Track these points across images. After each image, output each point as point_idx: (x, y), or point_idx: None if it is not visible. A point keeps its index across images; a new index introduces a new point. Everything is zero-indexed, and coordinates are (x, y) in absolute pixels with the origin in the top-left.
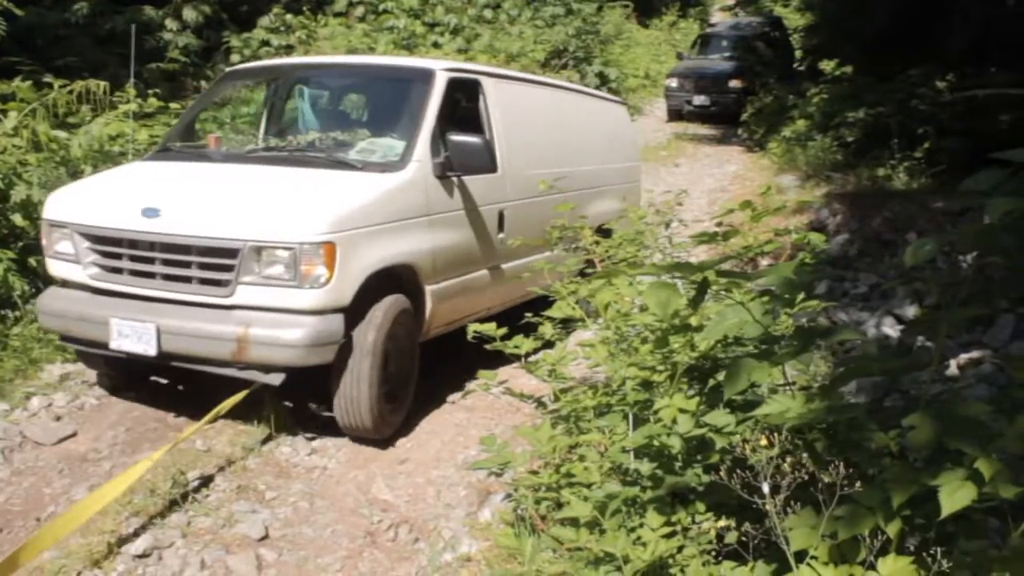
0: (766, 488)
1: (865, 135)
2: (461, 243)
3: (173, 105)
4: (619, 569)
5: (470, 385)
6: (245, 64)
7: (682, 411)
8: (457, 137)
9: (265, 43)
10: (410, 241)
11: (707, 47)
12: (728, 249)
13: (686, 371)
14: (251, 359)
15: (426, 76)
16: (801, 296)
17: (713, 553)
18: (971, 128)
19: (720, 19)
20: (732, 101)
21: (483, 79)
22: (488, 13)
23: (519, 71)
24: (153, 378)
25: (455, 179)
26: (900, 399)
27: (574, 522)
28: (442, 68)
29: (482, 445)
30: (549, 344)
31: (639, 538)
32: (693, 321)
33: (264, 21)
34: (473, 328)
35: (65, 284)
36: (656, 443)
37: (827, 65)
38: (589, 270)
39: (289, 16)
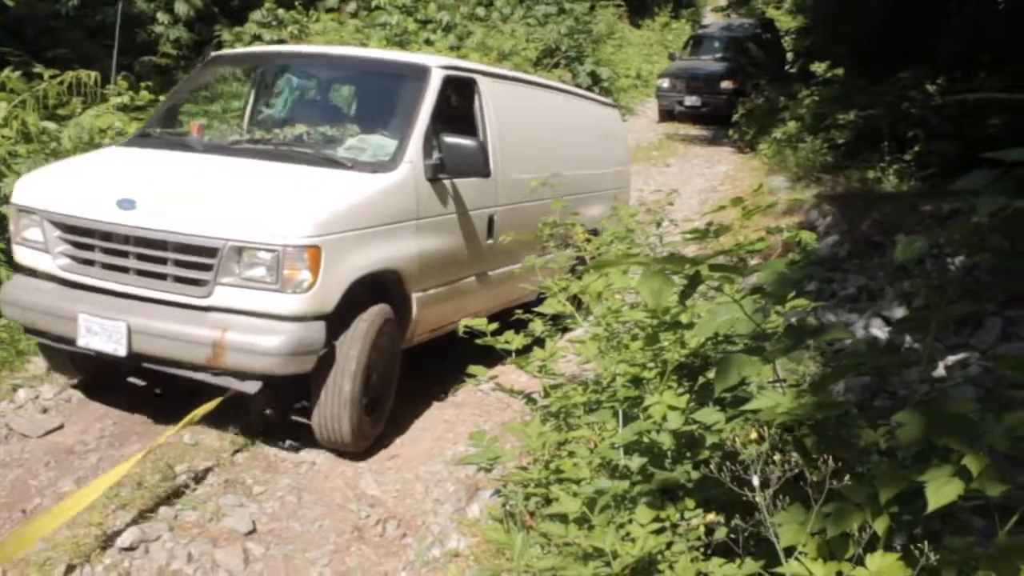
0: (756, 482)
1: (855, 137)
2: (449, 249)
3: (164, 98)
4: (608, 565)
5: (460, 381)
6: (232, 50)
7: (672, 408)
8: (451, 139)
9: (257, 37)
10: (398, 246)
11: (699, 48)
12: (718, 246)
13: (676, 368)
14: (227, 365)
15: (421, 72)
16: (792, 294)
17: (702, 549)
18: (961, 132)
19: (712, 20)
20: (723, 102)
21: (479, 78)
22: (480, 11)
23: (511, 70)
24: (131, 379)
25: (446, 182)
26: (888, 400)
27: (563, 518)
28: (438, 65)
29: (471, 441)
30: (540, 341)
31: (628, 534)
32: (683, 318)
33: (256, 15)
34: (464, 323)
35: (33, 273)
36: (646, 439)
37: (818, 67)
38: (580, 267)
39: (281, 11)
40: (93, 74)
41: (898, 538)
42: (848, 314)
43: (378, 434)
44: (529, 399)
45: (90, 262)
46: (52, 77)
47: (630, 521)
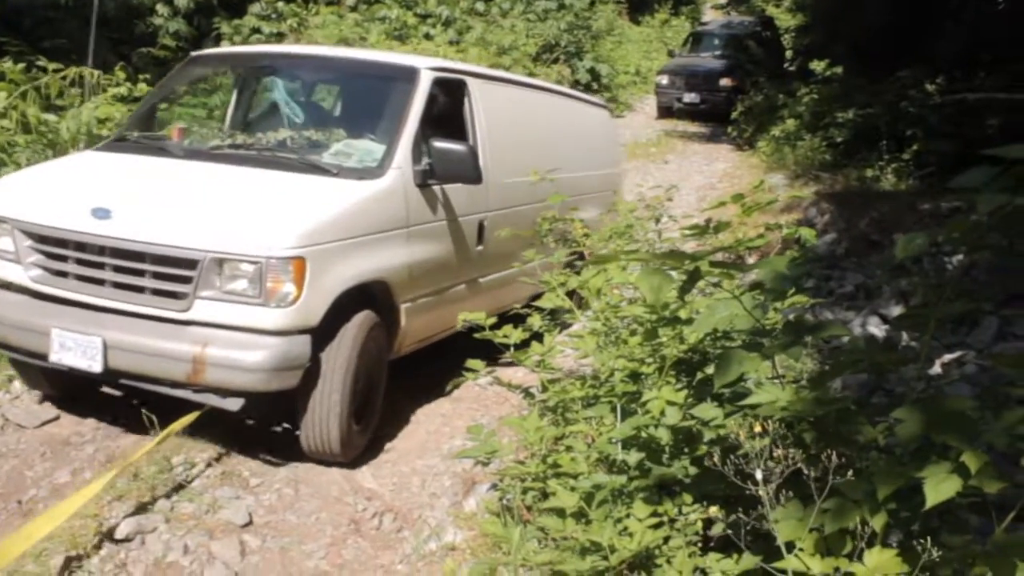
0: (759, 475)
1: (854, 136)
2: (439, 257)
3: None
4: (605, 559)
5: (458, 375)
6: (213, 49)
7: (670, 403)
8: (442, 144)
9: (256, 30)
10: (386, 256)
11: (698, 45)
12: (717, 243)
13: (675, 363)
14: (207, 382)
15: (410, 75)
16: (791, 291)
17: (699, 544)
18: (960, 131)
19: (712, 18)
20: (722, 99)
21: (469, 80)
22: (480, 6)
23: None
24: (105, 389)
25: (436, 188)
26: (885, 397)
27: (560, 512)
28: (427, 67)
29: (468, 435)
30: (538, 335)
31: (625, 528)
32: (682, 314)
33: (255, 8)
34: (463, 316)
35: (4, 285)
36: (644, 434)
37: (818, 65)
38: (579, 262)
39: (281, 3)
40: (96, 72)
41: (896, 535)
42: (846, 312)
43: (367, 442)
44: (527, 394)
45: (64, 274)
46: (55, 71)
47: (627, 516)
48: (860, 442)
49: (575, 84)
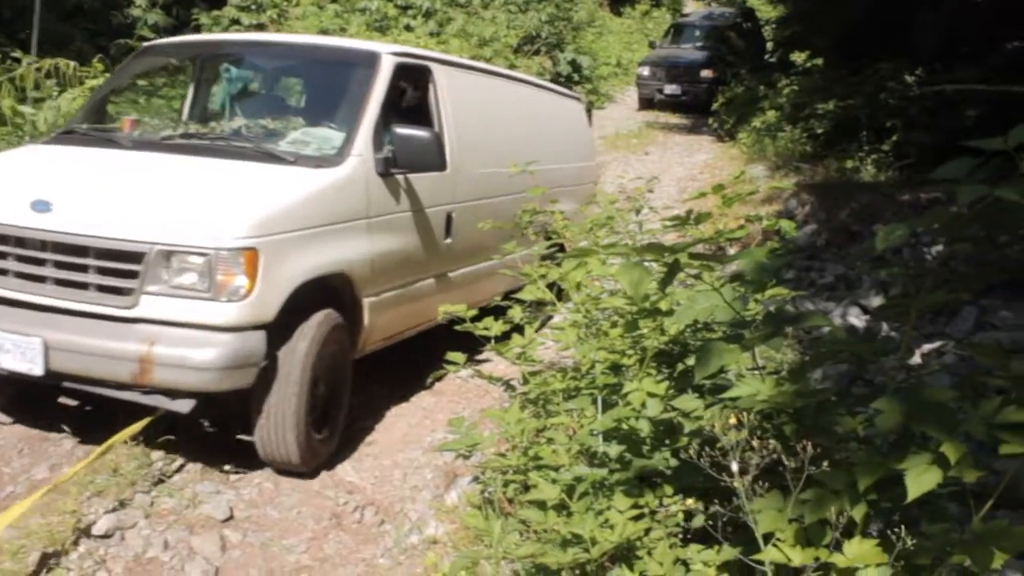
0: (735, 467)
1: (834, 127)
2: (404, 249)
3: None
4: (587, 551)
5: (438, 367)
6: (166, 39)
7: (651, 395)
8: (403, 130)
9: (235, 21)
10: (346, 247)
11: (680, 36)
12: (698, 234)
13: (655, 355)
14: (156, 382)
15: (370, 60)
16: (772, 282)
17: (680, 535)
18: (938, 123)
19: (693, 9)
20: (703, 91)
21: (433, 66)
22: None
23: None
24: (61, 399)
25: (399, 177)
26: (865, 387)
27: (541, 504)
28: (388, 52)
29: (449, 427)
30: (519, 327)
31: (607, 520)
32: (663, 306)
33: None
34: (443, 308)
35: None
36: (625, 426)
37: (798, 57)
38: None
39: None
40: (72, 64)
41: (875, 524)
42: (826, 302)
43: (331, 451)
44: (508, 386)
45: (2, 271)
46: (30, 64)
47: (609, 508)
48: (840, 433)
49: (556, 76)
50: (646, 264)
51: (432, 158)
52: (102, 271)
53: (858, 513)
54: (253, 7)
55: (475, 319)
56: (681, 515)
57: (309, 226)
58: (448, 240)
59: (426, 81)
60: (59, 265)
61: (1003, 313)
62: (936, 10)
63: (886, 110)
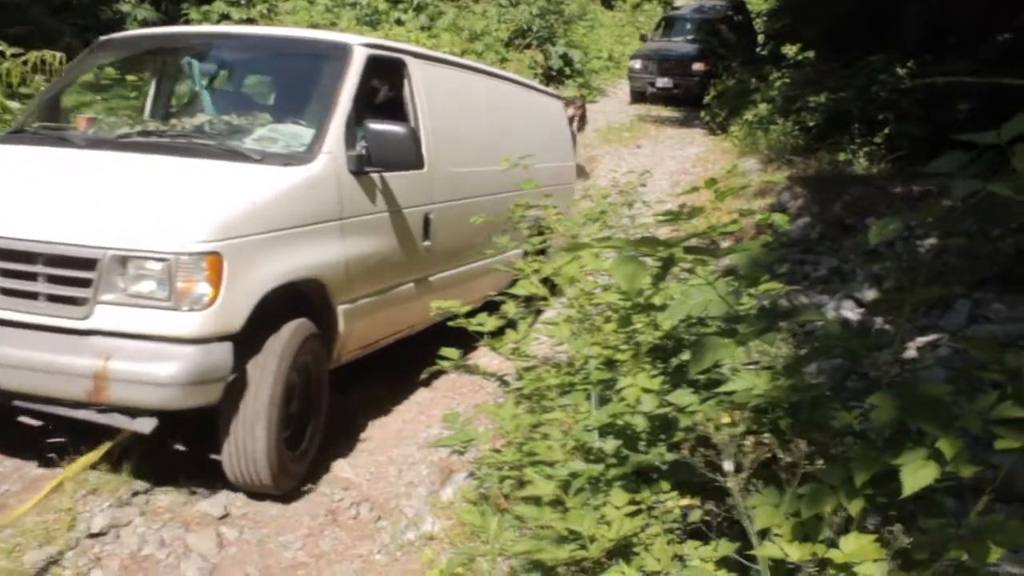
0: (728, 466)
1: (826, 120)
2: (380, 253)
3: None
4: (583, 547)
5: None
6: (124, 32)
7: (646, 390)
8: (377, 125)
9: (225, 16)
10: (318, 251)
11: (671, 30)
12: (691, 228)
13: (650, 350)
14: (112, 400)
15: (341, 52)
16: (766, 277)
17: (677, 532)
18: (930, 115)
19: (684, 2)
20: (695, 84)
21: (408, 59)
22: None
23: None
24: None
25: (374, 176)
26: (860, 382)
27: (537, 500)
28: (360, 43)
29: (445, 423)
30: (513, 323)
31: (603, 516)
32: (656, 301)
33: None
34: (436, 304)
35: None
36: (620, 422)
37: (789, 49)
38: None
39: None
40: (58, 55)
41: (872, 519)
42: (819, 296)
43: (304, 471)
44: (502, 381)
45: None
46: (14, 56)
47: (605, 504)
48: (835, 428)
49: (548, 70)
50: (640, 260)
51: (408, 155)
52: (52, 279)
53: (855, 508)
54: (243, 2)
55: (469, 315)
56: (678, 511)
57: (277, 228)
58: (427, 242)
59: (401, 75)
60: (5, 273)
61: (996, 306)
62: (925, 1)
63: (878, 103)
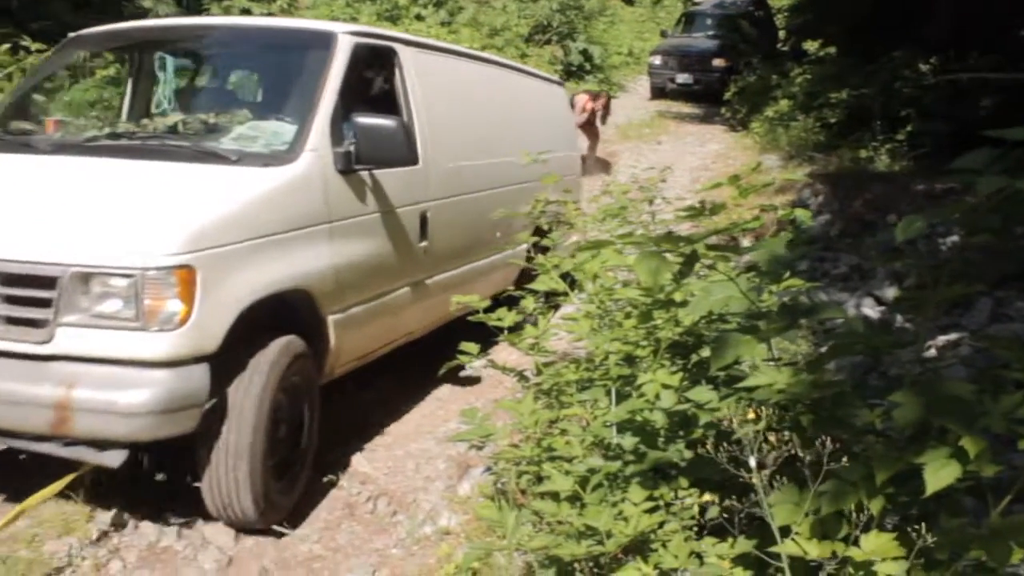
0: (753, 462)
1: (848, 116)
2: (373, 257)
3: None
4: (601, 543)
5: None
6: (95, 28)
7: (665, 386)
8: (365, 119)
9: (246, 11)
10: (304, 258)
11: (691, 25)
12: (712, 225)
13: (669, 346)
14: (77, 432)
15: (324, 41)
16: (788, 274)
17: (695, 529)
18: (953, 112)
19: None
20: (715, 80)
21: (399, 47)
22: None
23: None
24: None
25: (364, 174)
26: (880, 380)
27: (555, 496)
28: (345, 31)
29: (462, 418)
30: (531, 319)
31: (620, 513)
32: (677, 297)
33: None
34: (457, 299)
35: None
36: (639, 418)
37: (811, 45)
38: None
39: None
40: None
41: (892, 518)
42: (840, 293)
43: (292, 504)
44: (521, 377)
45: None
46: (39, 51)
47: (623, 500)
48: (857, 425)
49: (568, 65)
50: (664, 255)
51: (400, 150)
52: (8, 300)
53: (876, 506)
54: None
55: (488, 310)
56: (696, 508)
57: (257, 236)
58: (424, 243)
59: (391, 64)
60: None
61: (1018, 304)
62: None
63: (900, 99)
